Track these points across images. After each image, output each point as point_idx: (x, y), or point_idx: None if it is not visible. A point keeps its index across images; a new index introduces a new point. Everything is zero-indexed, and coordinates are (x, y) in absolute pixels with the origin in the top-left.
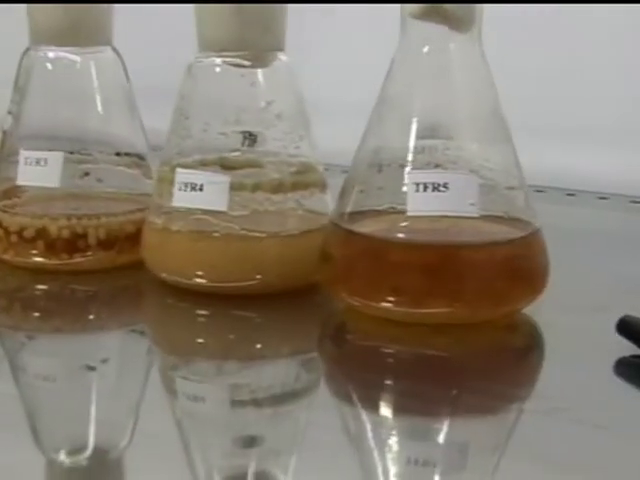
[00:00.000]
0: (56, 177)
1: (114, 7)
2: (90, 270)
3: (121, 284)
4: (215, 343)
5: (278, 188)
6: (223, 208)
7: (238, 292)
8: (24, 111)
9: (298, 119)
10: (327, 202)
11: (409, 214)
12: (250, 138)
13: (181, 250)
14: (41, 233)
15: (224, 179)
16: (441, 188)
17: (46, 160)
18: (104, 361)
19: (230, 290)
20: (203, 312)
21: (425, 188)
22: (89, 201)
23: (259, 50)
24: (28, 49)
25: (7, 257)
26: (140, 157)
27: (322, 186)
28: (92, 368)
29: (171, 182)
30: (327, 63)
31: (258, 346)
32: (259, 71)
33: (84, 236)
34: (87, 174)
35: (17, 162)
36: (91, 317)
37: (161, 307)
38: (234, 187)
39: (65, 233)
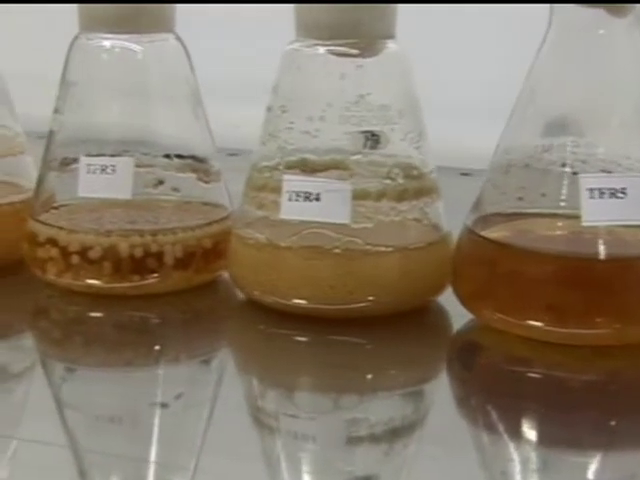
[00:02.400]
0: (127, 187)
1: None
2: (161, 293)
3: (197, 307)
4: (320, 374)
5: (403, 195)
6: (345, 220)
7: (343, 315)
8: (74, 109)
9: (416, 115)
10: (442, 210)
11: (585, 224)
12: (372, 139)
13: (290, 268)
14: (109, 252)
15: (345, 187)
16: (619, 194)
17: (114, 167)
18: (178, 397)
19: (334, 313)
20: (302, 338)
21: (601, 194)
22: (144, 212)
23: (370, 37)
24: (78, 37)
25: (64, 281)
26: (198, 159)
27: (438, 192)
28: (164, 405)
29: (275, 190)
30: None
31: (369, 376)
32: (370, 61)
33: (159, 254)
34: (161, 182)
35: (65, 168)
36: (164, 347)
37: (248, 332)
38: (356, 196)
39: (138, 252)
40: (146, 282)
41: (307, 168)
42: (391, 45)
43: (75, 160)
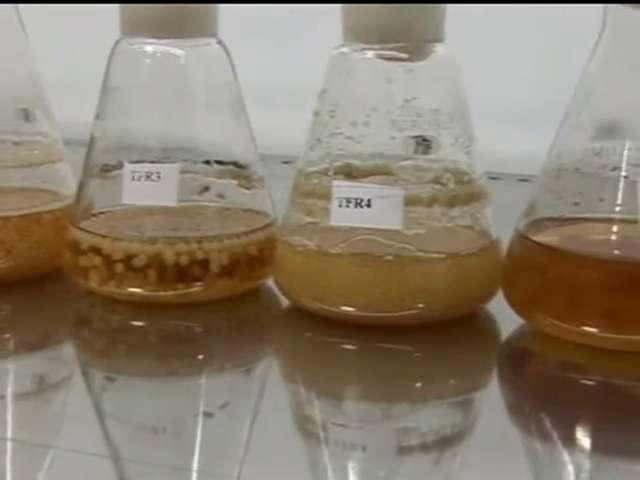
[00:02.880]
0: (172, 194)
1: None
2: (206, 301)
3: (241, 315)
4: (368, 382)
5: (454, 201)
6: (397, 226)
7: (393, 323)
8: (115, 115)
9: (466, 119)
10: (491, 215)
11: None
12: (424, 144)
13: (340, 275)
14: (154, 260)
15: (397, 192)
16: None
17: (159, 174)
18: (223, 406)
19: (384, 321)
20: (349, 346)
21: None
22: (185, 218)
23: (419, 41)
24: (119, 42)
25: (107, 290)
26: (239, 166)
27: (488, 197)
28: (209, 415)
29: (324, 196)
30: None
31: (419, 384)
32: (420, 64)
33: (205, 262)
34: (207, 189)
35: (105, 175)
36: (208, 356)
37: (294, 340)
38: (408, 201)
39: (184, 259)
40: (191, 290)
41: (356, 174)
42: (440, 48)
43: (115, 167)
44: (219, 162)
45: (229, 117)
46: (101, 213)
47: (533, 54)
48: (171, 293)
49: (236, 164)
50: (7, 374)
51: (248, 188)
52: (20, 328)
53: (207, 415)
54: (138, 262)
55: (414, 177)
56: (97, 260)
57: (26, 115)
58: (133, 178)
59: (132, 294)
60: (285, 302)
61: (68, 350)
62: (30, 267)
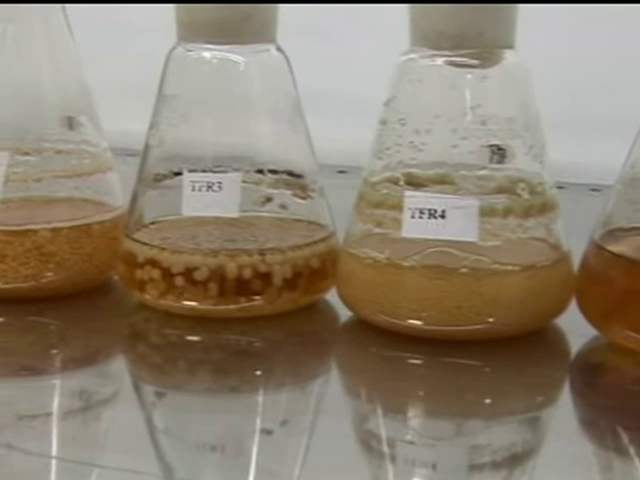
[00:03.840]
0: (234, 205)
1: None
2: (267, 315)
3: (301, 330)
4: (436, 398)
5: (529, 212)
6: (472, 238)
7: (459, 337)
8: (171, 123)
9: (539, 128)
10: (562, 227)
11: None
12: (499, 153)
13: (413, 288)
14: (216, 273)
15: (472, 203)
16: None
17: (220, 184)
18: (283, 423)
19: (451, 335)
20: (415, 360)
21: None
22: (239, 229)
23: (491, 47)
24: (175, 47)
25: (165, 303)
26: (294, 175)
27: (559, 208)
28: (269, 432)
29: (394, 207)
30: None
31: (488, 400)
32: (492, 72)
33: (267, 275)
34: (269, 200)
35: (157, 185)
36: (269, 371)
37: (357, 355)
38: (484, 212)
39: (246, 272)
40: (253, 304)
41: (427, 183)
42: (511, 54)
43: (166, 176)
44: (272, 171)
45: (286, 125)
46: (152, 224)
47: (602, 61)
48: (232, 307)
49: (290, 173)
50: (55, 390)
51: (303, 198)
52: (70, 343)
53: (266, 432)
54: (199, 275)
55: (473, 187)
56: (155, 273)
57: (70, 123)
58: (193, 188)
59: (192, 308)
60: (344, 316)
61: (121, 365)
62: (80, 280)
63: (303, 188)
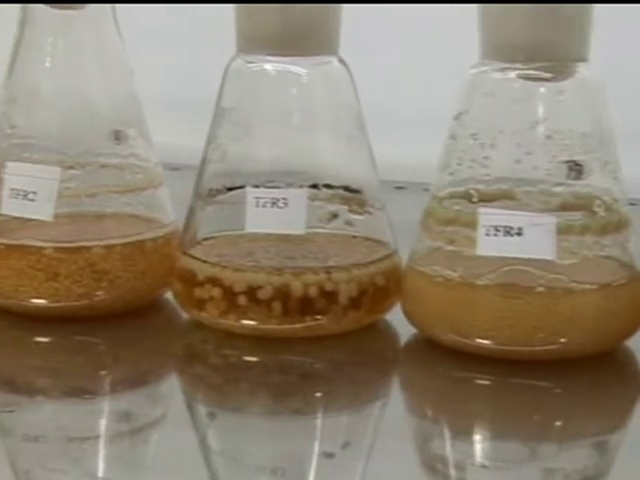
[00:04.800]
0: (300, 221)
1: (342, 8)
2: (329, 335)
3: (363, 349)
4: (506, 420)
5: (606, 229)
6: (550, 256)
7: (529, 357)
8: (230, 138)
9: (613, 143)
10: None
11: None
12: (576, 169)
13: (487, 308)
14: (280, 292)
15: (550, 220)
16: None
17: (286, 200)
18: (345, 446)
19: (521, 355)
20: (483, 381)
21: None
22: (294, 246)
23: (565, 60)
24: (234, 59)
25: (225, 323)
26: (351, 190)
27: (632, 225)
28: (330, 455)
29: (468, 224)
30: None
31: (559, 422)
32: (565, 85)
33: (334, 293)
34: (335, 216)
35: (211, 200)
36: (331, 393)
37: (423, 375)
38: (561, 230)
39: (312, 291)
40: (318, 323)
41: (504, 200)
42: (583, 68)
43: (219, 191)
44: (328, 186)
45: (346, 139)
46: (205, 240)
47: None
48: (297, 327)
49: (347, 188)
50: (106, 412)
51: (360, 214)
52: (121, 363)
53: (328, 455)
54: (263, 294)
55: (536, 202)
56: (216, 291)
57: (117, 136)
58: (257, 204)
59: (254, 328)
60: (406, 335)
61: (175, 386)
62: (132, 298)
63: (361, 204)
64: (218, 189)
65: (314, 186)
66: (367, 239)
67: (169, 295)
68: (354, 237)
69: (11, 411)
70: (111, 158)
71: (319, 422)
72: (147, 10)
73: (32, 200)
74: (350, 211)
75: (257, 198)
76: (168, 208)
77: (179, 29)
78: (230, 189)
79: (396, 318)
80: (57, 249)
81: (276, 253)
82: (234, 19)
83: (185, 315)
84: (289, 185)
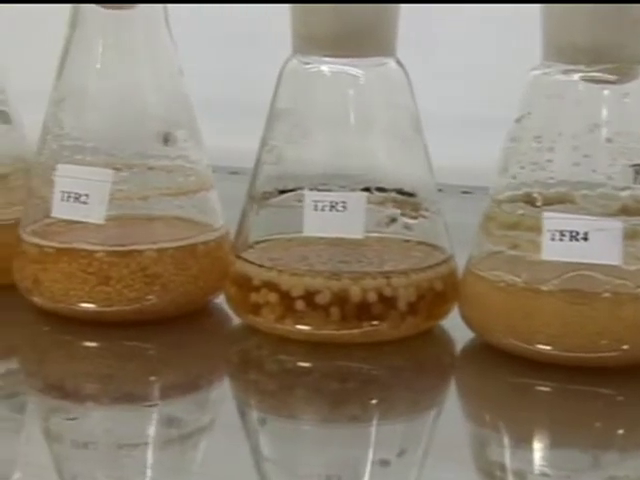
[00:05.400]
0: (359, 225)
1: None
2: (386, 341)
3: (419, 355)
4: (567, 427)
5: None
6: (616, 261)
7: (591, 364)
8: (285, 140)
9: None
10: None
11: None
12: None
13: (550, 313)
14: (338, 297)
15: (616, 225)
16: None
17: (345, 204)
18: (401, 454)
19: (583, 361)
20: (544, 388)
21: None
22: (345, 249)
23: (630, 62)
24: (290, 60)
25: (282, 328)
26: (403, 193)
27: None
28: (385, 463)
29: (531, 228)
30: None
31: (621, 430)
32: (630, 87)
33: (392, 299)
34: (394, 220)
35: (265, 203)
36: (387, 399)
37: (481, 381)
38: (627, 234)
39: (371, 296)
40: (376, 329)
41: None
42: None
43: (271, 194)
44: (380, 189)
45: (402, 142)
46: (257, 243)
47: None
48: (354, 332)
49: (401, 191)
50: (156, 418)
51: (414, 217)
52: (172, 369)
53: (384, 463)
54: (321, 299)
55: (594, 206)
56: (272, 296)
57: (167, 137)
58: (316, 208)
59: (312, 333)
60: (462, 341)
61: (227, 392)
62: (184, 302)
63: (415, 207)
64: (271, 192)
65: (366, 189)
66: (420, 243)
67: (219, 299)
68: (407, 241)
69: (73, 419)
70: (161, 160)
71: (375, 429)
72: (195, 10)
73: (84, 203)
74: (403, 215)
75: (315, 201)
76: (219, 211)
77: (228, 30)
78: (282, 192)
79: (450, 323)
80: (109, 253)
81: (329, 257)
82: (290, 19)
83: (236, 320)
84: (342, 188)
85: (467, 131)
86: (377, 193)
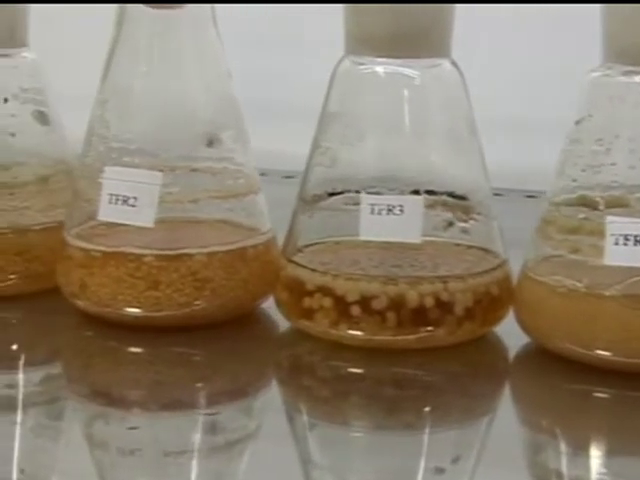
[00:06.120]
0: (416, 229)
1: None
2: (441, 346)
3: (474, 361)
4: (625, 434)
5: None
6: None
7: None
8: (338, 143)
9: None
10: None
11: None
12: None
13: (613, 319)
14: (395, 302)
15: None
16: None
17: (402, 207)
18: (455, 461)
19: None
20: (601, 394)
21: None
22: (398, 254)
23: None
24: (342, 61)
25: (336, 333)
26: (454, 196)
27: None
28: (440, 470)
29: (593, 232)
30: None
31: None
32: None
33: (449, 304)
34: (451, 224)
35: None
36: (442, 406)
37: (536, 387)
38: None
39: (428, 301)
40: (433, 334)
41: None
42: None
43: (321, 197)
44: (430, 192)
45: (455, 144)
46: (305, 247)
47: None
48: (410, 338)
49: (451, 195)
50: (204, 425)
51: (464, 221)
52: (221, 374)
53: (438, 471)
54: (378, 304)
55: None
56: (327, 301)
57: (210, 140)
58: (372, 211)
59: (367, 339)
60: (514, 347)
61: (276, 399)
62: (233, 307)
63: (466, 211)
64: (321, 194)
65: (416, 192)
66: (471, 247)
67: (265, 303)
68: (457, 245)
69: (119, 426)
70: (206, 162)
71: (430, 436)
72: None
73: (133, 206)
74: (454, 218)
75: (372, 205)
76: (266, 214)
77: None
78: (331, 194)
79: (501, 329)
80: (158, 256)
81: (381, 261)
82: (343, 20)
83: (283, 325)
84: (390, 190)
85: (524, 134)
86: (427, 196)
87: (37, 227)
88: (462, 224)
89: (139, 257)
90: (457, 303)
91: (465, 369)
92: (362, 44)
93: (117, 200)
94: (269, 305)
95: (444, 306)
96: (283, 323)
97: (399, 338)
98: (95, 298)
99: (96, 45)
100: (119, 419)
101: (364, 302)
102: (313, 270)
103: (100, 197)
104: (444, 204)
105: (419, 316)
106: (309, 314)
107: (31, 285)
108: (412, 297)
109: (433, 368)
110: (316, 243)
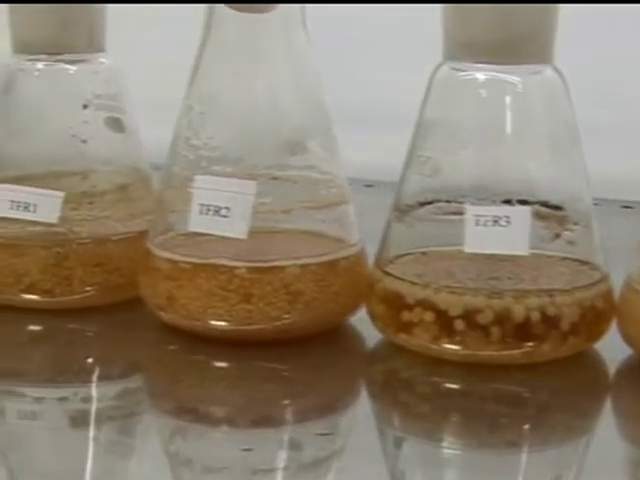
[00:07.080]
0: (524, 241)
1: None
2: (541, 362)
3: (573, 376)
4: None
5: None
6: None
7: None
8: (435, 151)
9: None
10: None
11: None
12: None
13: None
14: (501, 316)
15: None
16: None
17: (508, 219)
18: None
19: None
20: None
21: None
22: (490, 265)
23: None
24: (441, 67)
25: (437, 349)
26: (549, 206)
27: None
28: None
29: None
30: None
31: None
32: None
33: (555, 318)
34: (558, 235)
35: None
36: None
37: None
38: None
39: (535, 315)
40: (538, 349)
41: None
42: None
43: (412, 207)
44: (523, 202)
45: (556, 153)
46: (396, 258)
47: None
48: (515, 353)
49: (545, 204)
50: (292, 442)
51: (558, 236)
52: (311, 390)
53: None
54: (482, 319)
55: None
56: (428, 315)
57: (294, 148)
58: (477, 223)
59: (470, 354)
60: (614, 361)
61: (368, 414)
62: (325, 321)
63: (560, 221)
64: (414, 204)
65: (507, 201)
66: (565, 259)
67: (354, 317)
68: (549, 257)
69: (203, 443)
70: (296, 170)
71: (531, 455)
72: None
73: (225, 216)
74: (547, 228)
75: (477, 216)
76: (356, 225)
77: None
78: (423, 204)
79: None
80: (250, 269)
81: (477, 273)
82: (442, 25)
83: (372, 339)
84: (481, 200)
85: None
86: (518, 206)
87: (116, 237)
88: (568, 233)
89: (231, 269)
90: (563, 317)
91: (568, 385)
92: (462, 50)
93: (208, 210)
94: (357, 318)
95: (550, 320)
96: (372, 337)
97: (504, 353)
98: (184, 311)
99: (177, 49)
100: (207, 436)
101: (468, 316)
102: (412, 283)
103: (189, 207)
104: (537, 214)
105: (524, 331)
106: (407, 328)
107: (110, 297)
108: (518, 311)
109: (535, 384)
110: (407, 254)
